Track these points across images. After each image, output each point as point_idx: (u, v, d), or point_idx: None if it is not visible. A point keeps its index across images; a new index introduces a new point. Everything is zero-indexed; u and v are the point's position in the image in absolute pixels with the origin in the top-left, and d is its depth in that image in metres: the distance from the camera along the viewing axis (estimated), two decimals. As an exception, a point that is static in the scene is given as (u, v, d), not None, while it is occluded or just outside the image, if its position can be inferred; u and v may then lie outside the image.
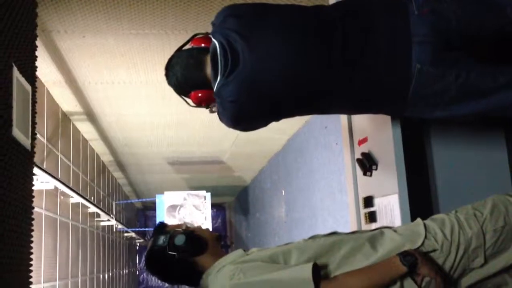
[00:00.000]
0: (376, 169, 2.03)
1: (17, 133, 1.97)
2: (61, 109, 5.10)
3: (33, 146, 2.19)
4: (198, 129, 6.19)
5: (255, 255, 1.56)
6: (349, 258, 1.52)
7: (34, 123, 2.22)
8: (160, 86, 4.59)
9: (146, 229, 12.34)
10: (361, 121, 2.19)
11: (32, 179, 2.22)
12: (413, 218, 1.72)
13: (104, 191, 7.97)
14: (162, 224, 1.73)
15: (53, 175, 3.93)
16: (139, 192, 11.50)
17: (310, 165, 5.94)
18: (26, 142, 2.08)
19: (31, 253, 2.13)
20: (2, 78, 1.89)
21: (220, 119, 1.73)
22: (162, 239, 1.64)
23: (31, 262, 2.10)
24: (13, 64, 1.98)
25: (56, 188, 4.53)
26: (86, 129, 5.97)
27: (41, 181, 3.70)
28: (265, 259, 1.52)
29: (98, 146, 6.92)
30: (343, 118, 2.31)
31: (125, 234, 10.15)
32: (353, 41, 1.54)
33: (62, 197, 5.01)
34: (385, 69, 1.54)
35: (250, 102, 1.60)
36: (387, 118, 1.92)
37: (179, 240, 1.61)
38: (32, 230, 2.12)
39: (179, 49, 1.74)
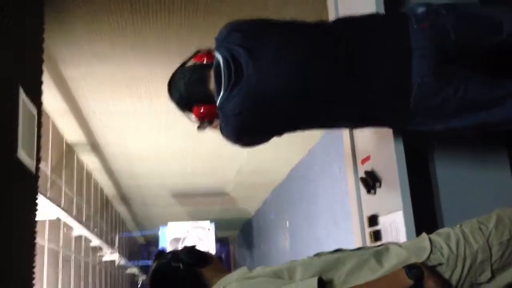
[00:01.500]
0: (380, 187, 2.03)
1: (22, 155, 1.98)
2: (65, 140, 5.14)
3: (37, 169, 2.20)
4: (202, 159, 6.21)
5: (259, 272, 1.55)
6: (354, 274, 1.50)
7: (39, 146, 2.24)
8: (163, 116, 4.63)
9: (149, 261, 12.19)
10: (363, 140, 2.20)
11: (36, 203, 2.22)
12: (418, 234, 1.71)
13: (107, 225, 7.93)
14: (163, 250, 1.72)
15: (57, 205, 3.92)
16: (142, 226, 11.45)
17: (314, 194, 5.92)
18: (30, 164, 2.10)
19: (33, 285, 2.11)
20: (9, 99, 1.92)
21: (222, 133, 1.73)
22: (165, 256, 1.63)
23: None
24: (20, 86, 2.01)
25: (58, 220, 4.51)
26: (90, 160, 6.00)
27: (44, 210, 3.68)
28: (269, 275, 1.50)
29: (102, 179, 6.94)
30: (346, 137, 2.32)
31: (127, 271, 10.03)
32: (355, 54, 1.57)
33: (65, 229, 4.98)
34: (387, 81, 1.56)
35: (253, 116, 1.61)
36: (390, 136, 1.93)
37: (182, 253, 1.60)
38: (35, 255, 2.11)
39: (182, 65, 1.76)
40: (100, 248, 6.70)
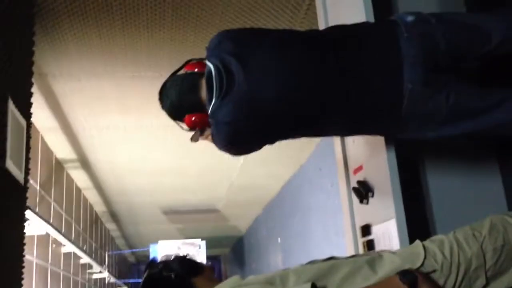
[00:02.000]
0: (372, 196, 2.02)
1: (10, 165, 1.96)
2: (55, 156, 5.10)
3: (26, 180, 2.17)
4: (192, 175, 6.18)
5: (252, 280, 1.53)
6: (348, 281, 1.48)
7: (28, 158, 2.21)
8: (153, 131, 4.62)
9: (139, 280, 12.02)
10: (355, 150, 2.20)
11: (24, 214, 2.19)
12: (411, 242, 1.70)
13: (97, 242, 7.83)
14: (155, 259, 1.70)
15: (46, 220, 3.87)
16: (132, 244, 11.32)
17: (306, 209, 5.90)
18: (19, 175, 2.07)
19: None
20: (-2, 111, 1.90)
21: (214, 142, 1.72)
22: (156, 266, 1.60)
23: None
24: (9, 97, 2.00)
25: (47, 235, 4.45)
26: (79, 177, 5.94)
27: (33, 225, 3.63)
28: (262, 282, 1.48)
29: (92, 196, 6.87)
30: (338, 148, 2.32)
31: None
32: (347, 62, 1.57)
33: (54, 246, 4.91)
34: (379, 88, 1.56)
35: (245, 123, 1.60)
36: (382, 145, 1.93)
37: (174, 262, 1.58)
38: (23, 266, 2.07)
39: (173, 74, 1.76)
40: (90, 266, 6.60)
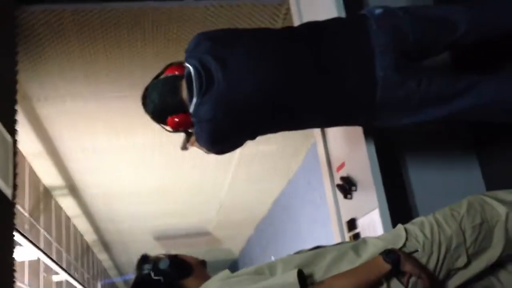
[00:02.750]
0: (356, 190, 2.07)
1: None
2: (42, 183, 5.08)
3: (14, 195, 2.18)
4: (181, 195, 6.18)
5: (241, 272, 1.56)
6: (334, 266, 1.52)
7: (15, 173, 2.23)
8: (140, 151, 4.64)
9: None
10: (337, 148, 2.26)
11: (12, 232, 2.20)
12: (394, 229, 1.74)
13: (89, 272, 7.73)
14: (145, 255, 1.71)
15: (36, 245, 3.85)
16: (125, 274, 11.17)
17: (297, 224, 5.92)
18: (6, 190, 2.08)
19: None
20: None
21: (197, 140, 1.76)
22: (146, 268, 1.62)
23: None
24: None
25: (38, 263, 4.41)
26: (68, 204, 5.91)
27: (24, 251, 3.60)
28: (251, 273, 1.51)
29: (81, 224, 6.81)
30: (320, 147, 2.38)
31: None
32: (322, 55, 1.64)
33: (45, 274, 4.85)
34: (353, 78, 1.63)
35: (226, 119, 1.65)
36: (361, 140, 1.99)
37: (163, 264, 1.60)
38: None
39: (155, 79, 1.81)
40: (82, 296, 6.50)
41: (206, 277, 1.63)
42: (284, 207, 6.50)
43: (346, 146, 2.17)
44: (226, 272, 1.62)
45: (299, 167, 5.66)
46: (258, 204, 7.03)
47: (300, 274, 1.41)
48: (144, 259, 1.66)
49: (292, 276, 1.40)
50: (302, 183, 5.62)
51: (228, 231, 8.48)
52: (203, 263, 1.70)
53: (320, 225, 5.07)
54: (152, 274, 1.59)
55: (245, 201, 6.80)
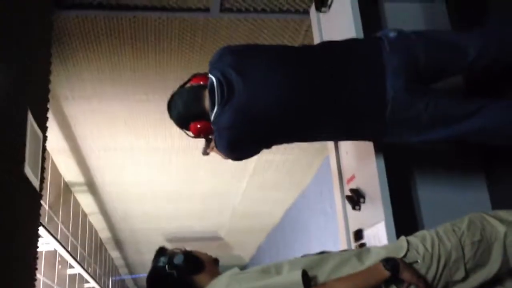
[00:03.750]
0: (364, 202, 2.16)
1: (28, 171, 2.11)
2: (63, 179, 5.25)
3: (41, 188, 2.32)
4: (195, 200, 6.30)
5: (249, 270, 1.66)
6: (337, 271, 1.61)
7: (43, 167, 2.37)
8: (160, 154, 4.78)
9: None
10: (348, 161, 2.35)
11: (39, 220, 2.33)
12: (398, 242, 1.82)
13: (101, 268, 7.88)
14: (162, 248, 1.82)
15: (54, 236, 3.99)
16: (135, 273, 11.31)
17: (307, 234, 5.99)
18: (35, 182, 2.22)
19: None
20: (19, 119, 2.08)
21: (216, 147, 1.88)
22: (162, 260, 1.73)
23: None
24: (28, 110, 2.17)
25: (54, 255, 4.55)
26: (86, 201, 6.07)
27: (42, 241, 3.75)
28: (258, 271, 1.61)
29: (97, 221, 6.98)
30: (332, 160, 2.48)
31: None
32: (337, 72, 1.75)
33: (60, 266, 5.01)
34: (365, 96, 1.73)
35: (244, 128, 1.77)
36: (372, 155, 2.08)
37: (178, 259, 1.70)
38: (36, 262, 2.20)
39: (180, 87, 1.94)
40: (94, 291, 6.65)
41: (217, 274, 1.74)
42: (295, 217, 6.58)
43: (357, 159, 2.26)
44: (235, 269, 1.72)
45: (312, 178, 5.75)
46: (270, 212, 7.12)
47: (305, 274, 1.51)
48: (161, 251, 1.77)
49: (297, 275, 1.50)
50: (314, 194, 5.70)
51: (240, 237, 8.57)
52: (215, 261, 1.80)
53: (329, 235, 5.14)
54: (167, 267, 1.69)
55: (258, 209, 6.89)
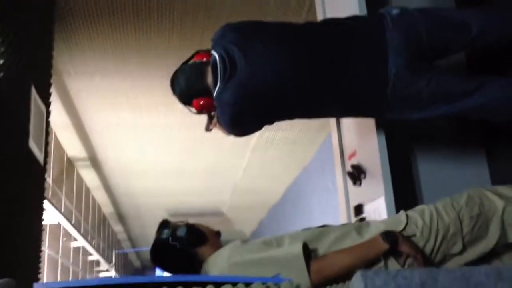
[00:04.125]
0: (364, 178, 2.18)
1: (33, 145, 2.14)
2: (66, 154, 5.28)
3: (45, 162, 2.35)
4: (198, 176, 6.34)
5: (250, 242, 1.69)
6: (337, 243, 1.64)
7: (47, 142, 2.40)
8: (162, 130, 4.80)
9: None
10: (350, 137, 2.36)
11: (43, 194, 2.37)
12: (398, 216, 1.85)
13: (104, 242, 7.99)
14: (165, 220, 1.85)
15: (58, 209, 4.04)
16: (138, 246, 11.45)
17: (308, 210, 6.04)
18: (39, 155, 2.25)
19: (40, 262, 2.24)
20: (23, 94, 2.09)
21: (219, 123, 1.89)
22: (165, 232, 1.76)
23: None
24: (32, 85, 2.19)
25: (59, 228, 4.61)
26: (89, 176, 6.13)
27: (46, 214, 3.80)
28: (259, 243, 1.65)
29: (100, 196, 7.05)
30: (334, 136, 2.49)
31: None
32: (337, 48, 1.75)
33: (64, 239, 5.08)
34: (368, 72, 1.73)
35: (246, 104, 1.78)
36: (373, 131, 2.10)
37: (181, 231, 1.74)
38: (42, 233, 2.25)
39: (183, 64, 1.94)
40: (98, 264, 6.75)
41: (219, 246, 1.77)
42: (297, 193, 6.63)
43: (358, 136, 2.28)
44: (237, 241, 1.75)
45: (314, 155, 5.77)
46: (272, 188, 7.17)
47: (305, 247, 1.54)
48: (164, 224, 1.80)
49: (297, 248, 1.53)
50: (316, 170, 5.74)
51: (241, 213, 8.66)
52: (217, 233, 1.84)
53: (331, 210, 5.19)
54: (170, 239, 1.73)
55: (259, 185, 6.94)
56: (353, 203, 2.29)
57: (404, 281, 0.81)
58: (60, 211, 4.12)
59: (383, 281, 0.81)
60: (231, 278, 1.38)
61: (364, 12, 2.15)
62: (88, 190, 6.60)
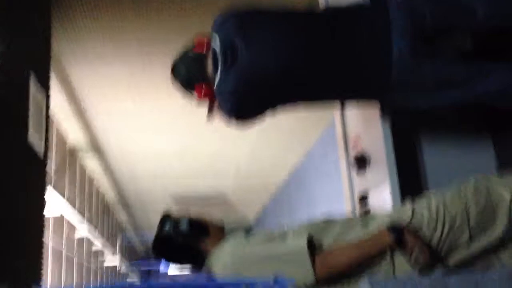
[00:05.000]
0: (369, 165, 2.15)
1: (32, 134, 2.11)
2: (68, 142, 5.26)
3: (46, 149, 2.32)
4: (201, 160, 6.32)
5: (253, 235, 1.67)
6: (342, 235, 1.62)
7: (47, 127, 2.37)
8: (163, 115, 4.76)
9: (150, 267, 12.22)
10: (354, 123, 2.33)
11: (44, 186, 2.34)
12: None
13: (108, 230, 8.01)
14: (167, 214, 1.83)
15: (62, 201, 4.03)
16: (142, 233, 11.51)
17: (312, 195, 6.03)
18: (40, 145, 2.22)
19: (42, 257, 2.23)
20: (21, 81, 2.06)
21: (221, 111, 1.86)
22: (167, 225, 1.74)
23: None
24: (30, 73, 2.15)
25: (62, 219, 4.60)
26: (91, 164, 6.11)
27: (49, 207, 3.79)
28: (262, 239, 1.63)
29: (103, 183, 7.04)
30: (338, 123, 2.46)
31: (129, 280, 10.06)
32: (340, 33, 1.71)
33: (68, 231, 5.07)
34: (369, 56, 1.69)
35: (247, 92, 1.75)
36: (377, 117, 2.06)
37: (183, 224, 1.72)
38: (43, 226, 2.23)
39: (184, 52, 1.90)
40: (102, 253, 6.77)
41: (222, 238, 1.75)
42: (300, 178, 6.61)
43: (363, 122, 2.24)
44: (240, 234, 1.73)
45: (317, 139, 5.74)
46: (275, 173, 7.16)
47: (310, 241, 1.52)
48: (166, 217, 1.78)
49: (302, 242, 1.51)
50: (319, 155, 5.71)
51: (245, 197, 8.66)
52: (221, 228, 1.81)
53: (334, 197, 5.17)
54: (172, 233, 1.71)
55: (262, 170, 6.92)
56: (358, 189, 2.27)
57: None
58: (63, 202, 4.10)
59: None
60: (233, 284, 1.37)
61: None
62: (91, 179, 6.60)
